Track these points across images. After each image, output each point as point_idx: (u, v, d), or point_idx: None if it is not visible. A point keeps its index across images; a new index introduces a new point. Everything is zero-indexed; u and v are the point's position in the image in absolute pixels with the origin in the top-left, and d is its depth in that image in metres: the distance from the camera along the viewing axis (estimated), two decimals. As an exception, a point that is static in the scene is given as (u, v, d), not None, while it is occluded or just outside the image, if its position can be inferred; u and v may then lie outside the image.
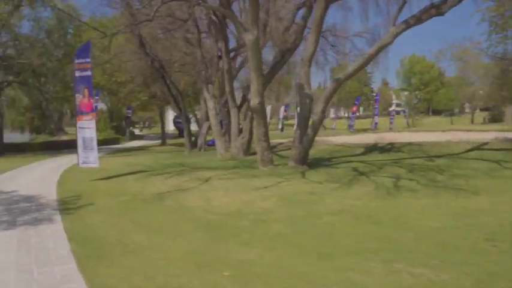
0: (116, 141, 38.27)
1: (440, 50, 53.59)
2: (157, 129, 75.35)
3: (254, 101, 11.33)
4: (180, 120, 49.09)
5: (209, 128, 20.77)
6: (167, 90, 20.23)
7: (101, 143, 25.84)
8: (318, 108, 11.76)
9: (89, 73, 10.77)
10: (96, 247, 5.11)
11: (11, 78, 26.81)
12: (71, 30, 26.20)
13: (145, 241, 5.38)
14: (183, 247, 5.08)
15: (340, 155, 14.74)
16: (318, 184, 9.27)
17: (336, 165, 12.37)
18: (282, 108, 55.04)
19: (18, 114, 49.90)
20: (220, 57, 19.24)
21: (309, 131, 11.83)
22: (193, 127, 55.07)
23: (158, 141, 39.57)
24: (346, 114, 71.06)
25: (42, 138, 46.63)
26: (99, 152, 23.29)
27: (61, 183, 10.92)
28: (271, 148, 13.09)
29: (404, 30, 10.95)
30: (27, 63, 23.80)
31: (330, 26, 19.22)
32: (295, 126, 15.48)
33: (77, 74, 10.89)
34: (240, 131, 15.82)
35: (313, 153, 15.23)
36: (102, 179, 11.49)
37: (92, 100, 10.86)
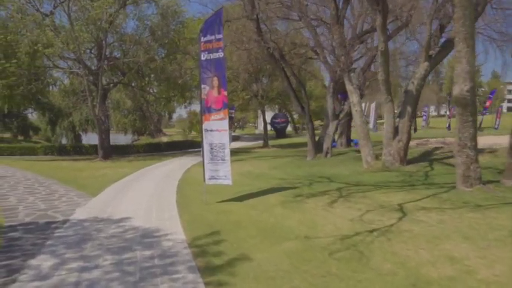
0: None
1: None
2: (249, 130, 74.19)
3: (461, 87, 7.34)
4: (277, 120, 46.44)
5: (335, 128, 17.12)
6: (287, 84, 16.97)
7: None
8: None
9: (220, 54, 7.74)
10: None
11: (115, 80, 26.09)
12: (173, 27, 24.47)
13: None
14: None
15: None
16: None
17: None
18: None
19: (122, 117, 51.55)
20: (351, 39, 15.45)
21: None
22: (289, 128, 52.40)
23: (257, 143, 37.07)
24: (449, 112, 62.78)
25: (144, 139, 47.49)
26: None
27: (182, 206, 8.07)
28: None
29: None
30: (133, 61, 22.58)
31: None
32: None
33: (203, 56, 7.93)
34: (396, 132, 11.84)
35: (492, 162, 10.81)
36: (233, 199, 8.45)
37: (224, 92, 7.81)
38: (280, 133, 46.06)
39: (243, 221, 6.55)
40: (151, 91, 30.32)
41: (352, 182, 9.61)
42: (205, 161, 8.05)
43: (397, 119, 12.23)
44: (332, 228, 5.84)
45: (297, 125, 59.28)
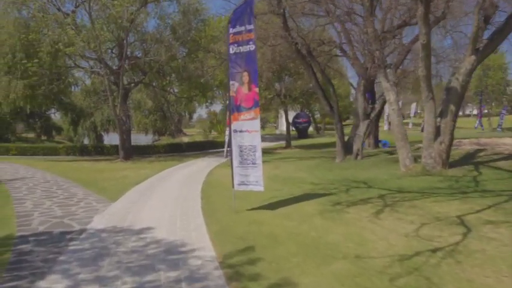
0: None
1: None
2: (269, 130, 73.37)
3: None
4: (299, 120, 45.47)
5: (367, 128, 16.16)
6: (315, 82, 16.09)
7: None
8: None
9: (251, 47, 6.98)
10: None
11: (136, 79, 25.72)
12: (194, 25, 23.88)
13: None
14: None
15: None
16: None
17: None
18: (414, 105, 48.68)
19: (142, 117, 51.70)
20: (384, 32, 14.43)
21: None
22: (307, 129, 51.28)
23: (279, 143, 36.25)
24: (475, 112, 60.23)
25: (165, 140, 47.40)
26: (227, 155, 20.64)
27: (209, 213, 7.36)
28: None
29: None
30: (154, 60, 22.17)
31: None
32: None
33: (232, 50, 7.19)
34: (437, 132, 10.86)
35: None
36: (264, 207, 7.69)
37: (255, 89, 7.06)
38: (302, 133, 45.10)
39: (279, 234, 5.77)
40: (172, 91, 29.94)
41: (393, 188, 8.70)
42: (234, 165, 7.31)
43: (438, 119, 11.23)
44: (385, 246, 5.01)
45: (318, 125, 58.25)
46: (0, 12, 19.81)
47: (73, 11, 21.22)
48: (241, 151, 7.18)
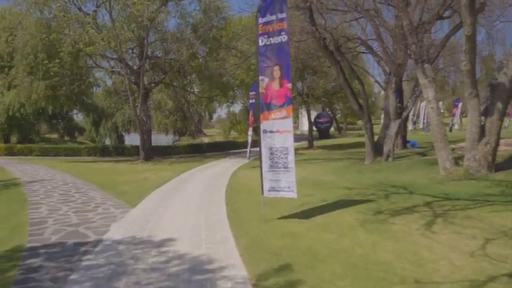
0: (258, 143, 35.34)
1: None
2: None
3: None
4: (321, 120, 44.45)
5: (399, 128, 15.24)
6: (343, 79, 15.23)
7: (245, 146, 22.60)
8: None
9: (284, 38, 6.27)
10: None
11: (156, 79, 25.39)
12: (215, 23, 23.32)
13: None
14: None
15: None
16: None
17: None
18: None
19: (163, 117, 51.69)
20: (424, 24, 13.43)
21: None
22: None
23: (300, 143, 35.33)
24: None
25: (185, 140, 47.22)
26: (250, 156, 19.93)
27: (236, 223, 6.68)
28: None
29: None
30: (174, 60, 21.77)
31: None
32: None
33: (262, 41, 6.49)
34: (481, 132, 9.90)
35: None
36: (296, 215, 6.97)
37: (287, 84, 6.35)
38: (324, 133, 44.01)
39: (318, 249, 5.04)
40: (193, 91, 29.55)
41: (438, 195, 7.82)
42: (264, 169, 6.61)
43: (482, 117, 10.27)
44: (448, 267, 4.21)
45: (340, 125, 57.05)
46: (23, 13, 19.78)
47: (94, 11, 21.00)
48: (271, 154, 6.48)
